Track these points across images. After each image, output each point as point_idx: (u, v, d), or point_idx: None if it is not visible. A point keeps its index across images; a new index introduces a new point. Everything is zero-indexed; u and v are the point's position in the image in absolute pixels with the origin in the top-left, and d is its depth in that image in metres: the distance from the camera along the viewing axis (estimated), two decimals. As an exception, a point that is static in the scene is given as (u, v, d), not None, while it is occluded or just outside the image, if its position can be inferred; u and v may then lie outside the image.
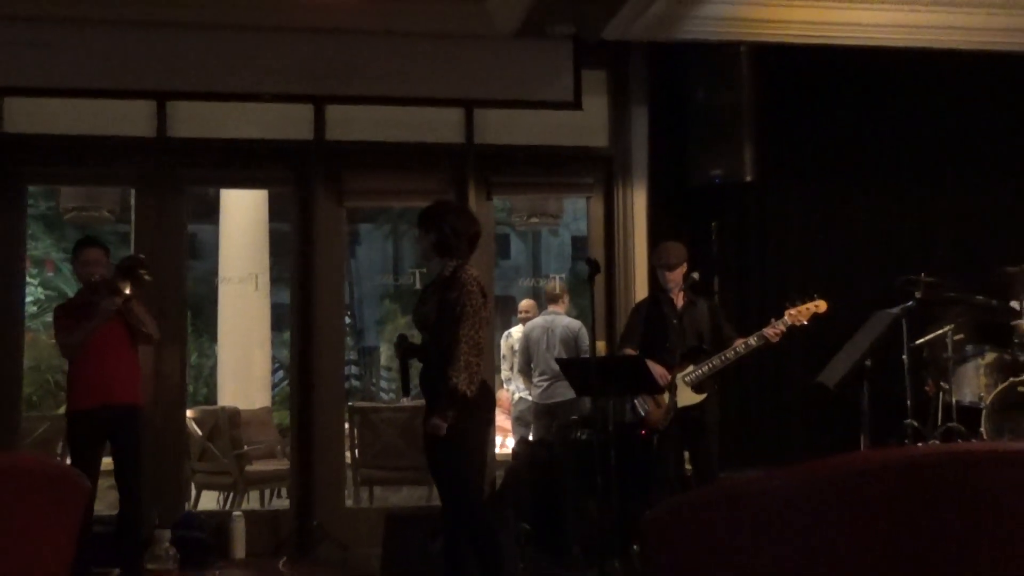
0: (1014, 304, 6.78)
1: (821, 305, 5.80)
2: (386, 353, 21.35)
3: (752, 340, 5.78)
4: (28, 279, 10.14)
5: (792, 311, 5.79)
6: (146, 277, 5.70)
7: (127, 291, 5.59)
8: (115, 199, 9.17)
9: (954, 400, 6.64)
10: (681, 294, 6.04)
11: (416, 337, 5.01)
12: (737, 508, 1.62)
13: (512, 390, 8.87)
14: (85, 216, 9.66)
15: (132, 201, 7.44)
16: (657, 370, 5.68)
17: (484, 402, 4.79)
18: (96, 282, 5.65)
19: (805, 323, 5.80)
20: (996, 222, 7.53)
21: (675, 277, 5.95)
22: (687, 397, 5.81)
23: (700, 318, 6.01)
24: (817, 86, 7.43)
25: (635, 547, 5.82)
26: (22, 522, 1.69)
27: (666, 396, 5.83)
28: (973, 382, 6.68)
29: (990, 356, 6.67)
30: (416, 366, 4.96)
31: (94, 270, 5.69)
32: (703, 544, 1.71)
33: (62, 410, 11.55)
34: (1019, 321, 6.59)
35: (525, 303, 9.34)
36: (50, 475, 1.82)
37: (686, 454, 6.07)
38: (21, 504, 1.70)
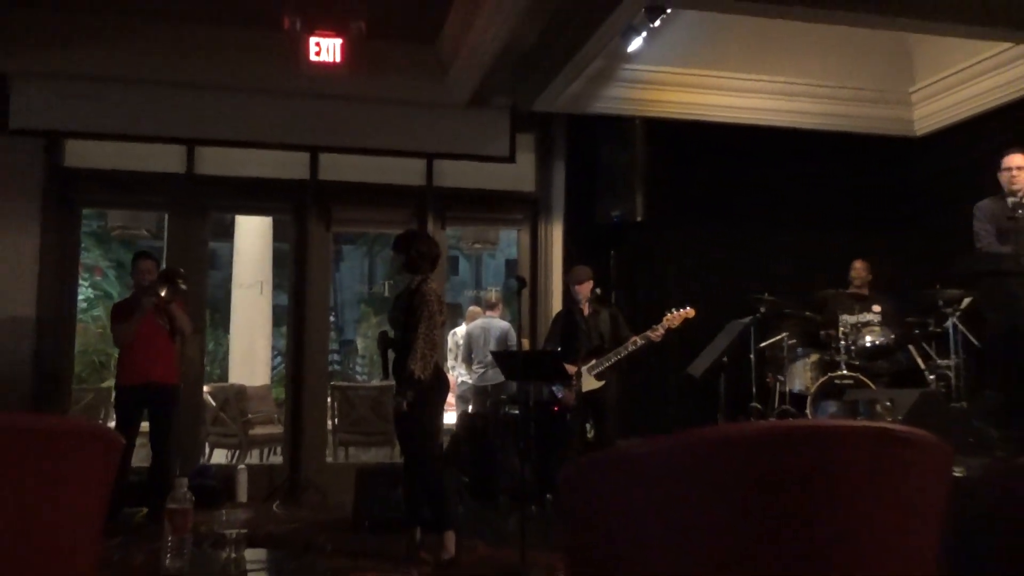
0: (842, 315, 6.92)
1: (690, 312, 5.89)
2: (361, 345, 21.14)
3: (639, 340, 5.86)
4: (80, 282, 9.87)
5: (668, 316, 5.87)
6: (182, 285, 5.67)
7: (162, 294, 5.56)
8: (152, 220, 8.99)
9: (788, 389, 6.79)
10: (587, 304, 6.11)
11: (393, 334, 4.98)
12: (624, 466, 1.65)
13: (456, 375, 8.85)
14: (127, 233, 9.44)
15: (165, 222, 7.31)
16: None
17: (439, 385, 4.78)
18: (145, 286, 5.63)
19: (678, 325, 5.87)
20: (820, 256, 7.68)
21: (583, 290, 6.10)
22: (590, 384, 5.84)
23: (602, 323, 6.06)
24: (693, 150, 7.53)
25: (549, 496, 5.84)
26: (70, 471, 1.66)
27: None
28: (802, 376, 6.81)
29: (814, 356, 6.80)
30: (392, 355, 4.94)
31: (146, 276, 5.71)
32: (601, 494, 1.73)
33: (104, 384, 11.30)
34: (833, 331, 6.74)
35: (473, 309, 9.24)
36: (93, 434, 1.78)
37: (588, 425, 6.11)
38: (70, 457, 1.67)
